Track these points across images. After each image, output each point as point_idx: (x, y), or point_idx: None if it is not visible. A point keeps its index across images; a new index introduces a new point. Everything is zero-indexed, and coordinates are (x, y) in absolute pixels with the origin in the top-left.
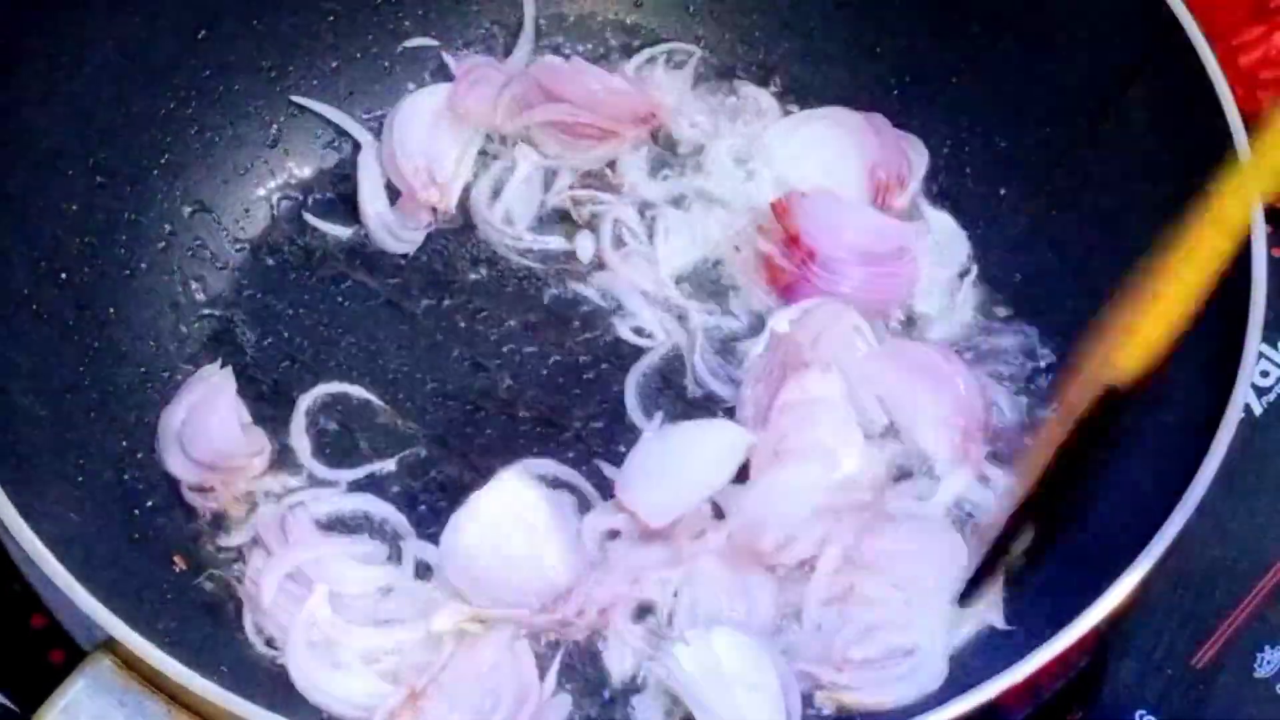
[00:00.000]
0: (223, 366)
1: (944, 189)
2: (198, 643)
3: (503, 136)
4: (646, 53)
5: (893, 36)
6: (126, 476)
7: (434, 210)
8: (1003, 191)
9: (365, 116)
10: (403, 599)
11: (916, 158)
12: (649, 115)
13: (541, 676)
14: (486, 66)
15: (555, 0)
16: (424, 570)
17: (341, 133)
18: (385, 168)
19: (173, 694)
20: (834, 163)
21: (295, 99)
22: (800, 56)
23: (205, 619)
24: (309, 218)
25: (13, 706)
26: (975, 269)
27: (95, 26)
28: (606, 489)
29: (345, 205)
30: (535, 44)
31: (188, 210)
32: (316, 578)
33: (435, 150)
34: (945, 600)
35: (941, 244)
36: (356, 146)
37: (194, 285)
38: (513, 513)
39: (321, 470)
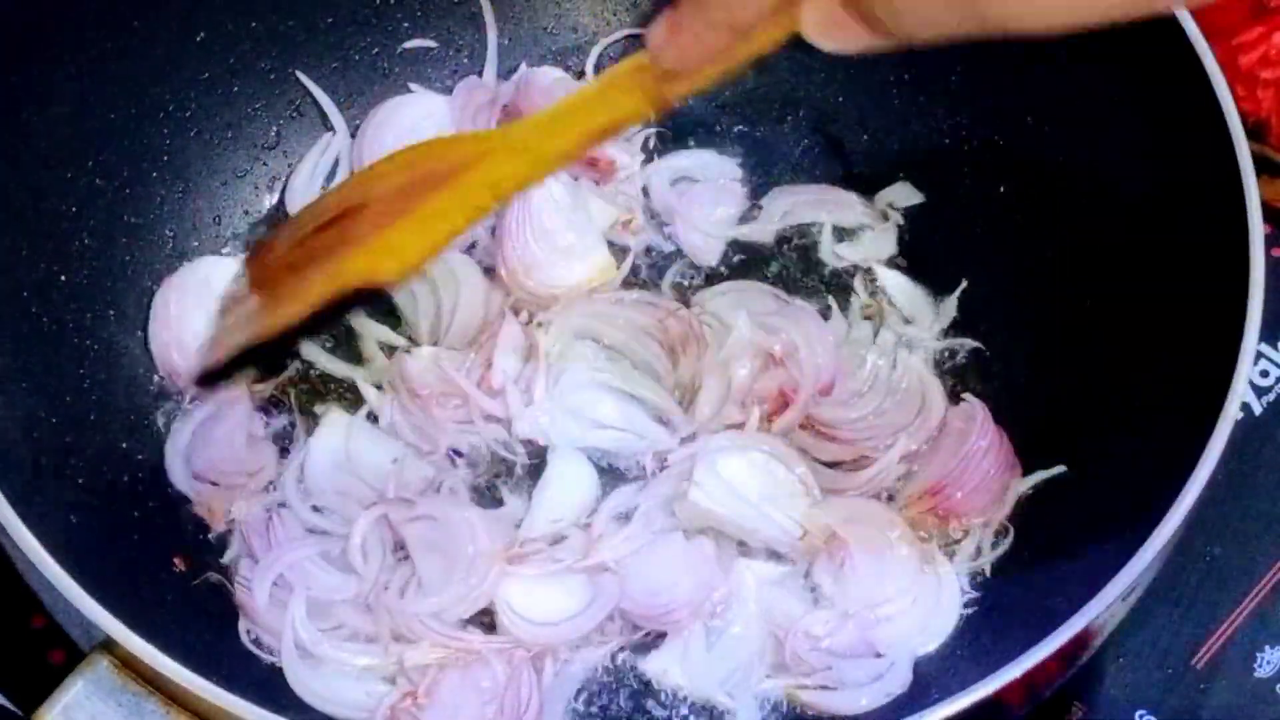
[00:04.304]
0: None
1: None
2: (196, 643)
3: None
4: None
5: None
6: (126, 478)
7: None
8: (1001, 189)
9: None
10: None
11: None
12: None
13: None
14: (476, 89)
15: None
16: None
17: None
18: (351, 161)
19: (171, 694)
20: None
21: (299, 74)
22: None
23: (204, 620)
24: None
25: (12, 707)
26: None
27: (95, 27)
28: None
29: None
30: (500, 61)
31: (188, 212)
32: (297, 583)
33: None
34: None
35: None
36: None
37: None
38: None
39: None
